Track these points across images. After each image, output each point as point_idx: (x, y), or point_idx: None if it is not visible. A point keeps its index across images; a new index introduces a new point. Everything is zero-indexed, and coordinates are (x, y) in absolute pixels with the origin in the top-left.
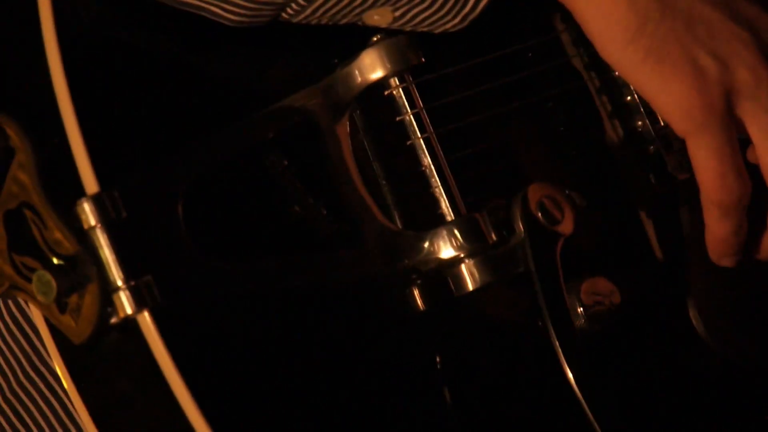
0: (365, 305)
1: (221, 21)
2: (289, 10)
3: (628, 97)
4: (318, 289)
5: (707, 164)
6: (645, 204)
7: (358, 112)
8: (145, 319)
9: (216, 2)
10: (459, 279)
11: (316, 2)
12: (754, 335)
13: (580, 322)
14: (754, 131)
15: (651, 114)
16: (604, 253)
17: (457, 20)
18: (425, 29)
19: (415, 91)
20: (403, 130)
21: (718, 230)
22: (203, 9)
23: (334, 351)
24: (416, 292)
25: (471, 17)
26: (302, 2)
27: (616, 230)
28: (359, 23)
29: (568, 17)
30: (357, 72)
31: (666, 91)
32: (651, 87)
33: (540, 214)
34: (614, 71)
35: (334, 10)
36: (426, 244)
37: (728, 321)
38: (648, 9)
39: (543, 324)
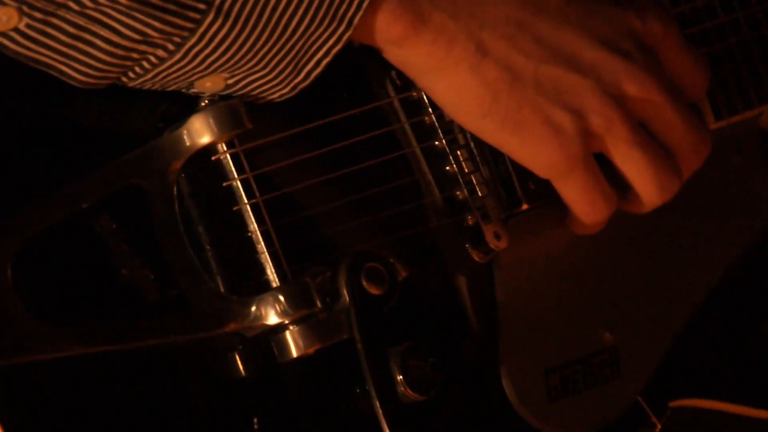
0: (190, 369)
1: (68, 81)
2: (131, 74)
3: (448, 167)
4: (144, 353)
5: (576, 199)
6: (461, 272)
7: (183, 175)
8: None
9: (66, 61)
10: (283, 345)
11: (161, 66)
12: (567, 409)
13: (400, 389)
14: (618, 161)
15: (470, 185)
16: (422, 320)
17: (287, 90)
18: (250, 99)
19: (243, 156)
20: (230, 195)
21: (591, 233)
22: (52, 67)
23: (159, 414)
24: (238, 358)
25: (301, 86)
26: (147, 66)
27: (435, 298)
28: (185, 90)
29: (396, 86)
30: (185, 136)
31: (528, 152)
32: (512, 149)
33: (364, 281)
34: (435, 141)
35: (175, 75)
36: (252, 310)
37: (540, 392)
38: (497, 81)
39: (366, 391)
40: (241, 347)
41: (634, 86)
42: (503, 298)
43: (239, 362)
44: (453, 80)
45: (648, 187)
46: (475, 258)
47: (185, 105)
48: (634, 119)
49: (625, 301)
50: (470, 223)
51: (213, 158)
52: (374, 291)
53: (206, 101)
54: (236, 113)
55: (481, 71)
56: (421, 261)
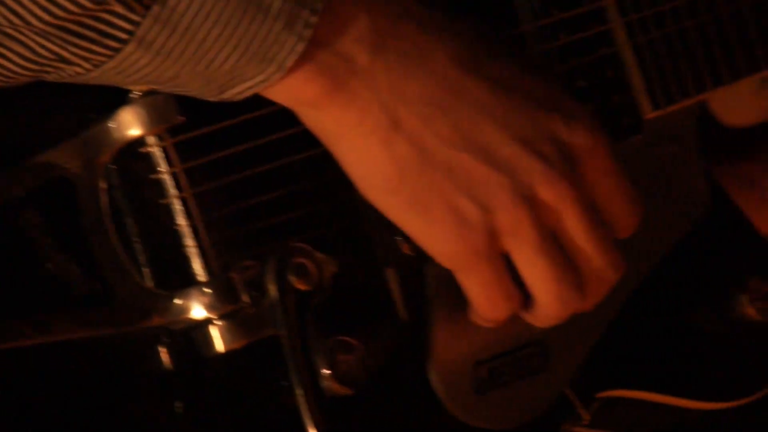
0: (116, 362)
1: None
2: (48, 77)
3: None
4: (69, 346)
5: (476, 295)
6: (391, 264)
7: (113, 167)
8: None
9: None
10: (208, 340)
11: (78, 77)
12: (495, 402)
13: (327, 383)
14: (520, 265)
15: None
16: (352, 313)
17: (214, 100)
18: None
19: (173, 149)
20: (159, 187)
21: (490, 326)
22: None
23: (84, 407)
24: (163, 351)
25: (227, 101)
26: (64, 75)
27: (365, 290)
28: None
29: None
30: (115, 128)
31: (431, 238)
32: (415, 233)
33: (292, 276)
34: None
35: (94, 82)
36: (178, 304)
37: (467, 385)
38: (408, 160)
39: (290, 386)
40: (167, 340)
41: (548, 191)
42: (433, 290)
43: (166, 355)
44: (362, 151)
45: (547, 297)
46: (405, 250)
47: (116, 95)
48: (544, 226)
49: None
50: None
51: (142, 150)
52: (302, 286)
53: (137, 93)
54: (167, 106)
55: (391, 146)
56: (352, 254)
